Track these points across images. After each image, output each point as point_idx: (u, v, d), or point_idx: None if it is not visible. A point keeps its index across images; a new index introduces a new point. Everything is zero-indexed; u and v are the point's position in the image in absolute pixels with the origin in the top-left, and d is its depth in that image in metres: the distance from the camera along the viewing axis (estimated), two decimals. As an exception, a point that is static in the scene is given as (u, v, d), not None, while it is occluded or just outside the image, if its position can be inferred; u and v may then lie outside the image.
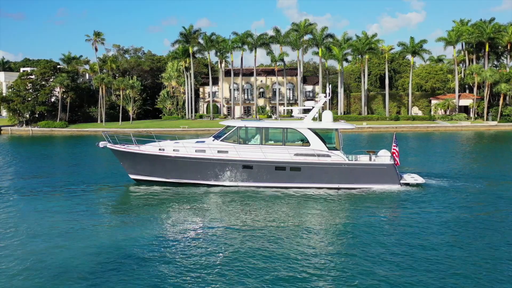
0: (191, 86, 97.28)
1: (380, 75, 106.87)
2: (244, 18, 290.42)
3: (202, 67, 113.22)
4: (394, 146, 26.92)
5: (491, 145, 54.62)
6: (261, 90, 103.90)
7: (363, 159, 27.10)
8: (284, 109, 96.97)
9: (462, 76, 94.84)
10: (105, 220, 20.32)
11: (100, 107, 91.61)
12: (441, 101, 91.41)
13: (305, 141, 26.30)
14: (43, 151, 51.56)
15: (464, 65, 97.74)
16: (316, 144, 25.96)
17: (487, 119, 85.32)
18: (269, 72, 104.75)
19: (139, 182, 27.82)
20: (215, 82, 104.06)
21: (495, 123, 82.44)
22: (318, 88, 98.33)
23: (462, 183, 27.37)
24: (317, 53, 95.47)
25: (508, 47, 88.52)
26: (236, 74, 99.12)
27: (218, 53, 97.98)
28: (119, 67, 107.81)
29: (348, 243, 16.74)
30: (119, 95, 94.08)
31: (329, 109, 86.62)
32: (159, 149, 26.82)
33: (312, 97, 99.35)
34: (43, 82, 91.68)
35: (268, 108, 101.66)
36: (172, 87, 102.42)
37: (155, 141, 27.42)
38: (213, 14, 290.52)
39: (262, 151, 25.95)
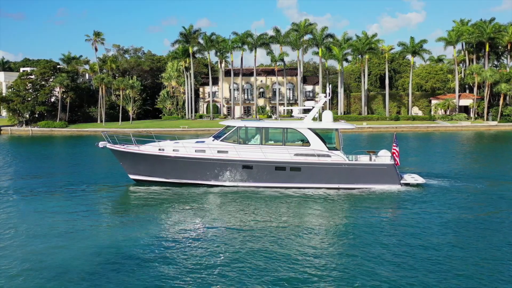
0: (191, 86, 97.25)
1: (380, 75, 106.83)
2: (244, 18, 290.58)
3: (202, 67, 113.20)
4: (394, 146, 26.88)
5: (491, 145, 54.60)
6: (261, 90, 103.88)
7: (363, 159, 27.05)
8: (284, 109, 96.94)
9: (462, 76, 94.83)
10: (105, 221, 20.28)
11: (100, 107, 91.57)
12: (441, 101, 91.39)
13: (305, 141, 26.26)
14: (43, 151, 51.54)
15: (464, 65, 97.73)
16: (316, 144, 25.92)
17: (487, 119, 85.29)
18: (269, 72, 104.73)
19: (138, 182, 27.78)
20: (215, 82, 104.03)
21: (495, 123, 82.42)
22: (318, 88, 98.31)
23: (463, 183, 27.33)
24: (317, 53, 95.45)
25: (508, 47, 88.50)
26: (236, 74, 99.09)
27: (218, 53, 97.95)
28: (119, 67, 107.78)
29: (349, 243, 16.71)
30: (119, 95, 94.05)
31: (329, 109, 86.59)
32: (159, 149, 26.78)
33: (312, 97, 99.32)
34: (43, 82, 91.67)
35: (268, 108, 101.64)
36: (172, 87, 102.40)
37: (154, 141, 27.38)
38: (213, 14, 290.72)
39: (262, 151, 25.91)
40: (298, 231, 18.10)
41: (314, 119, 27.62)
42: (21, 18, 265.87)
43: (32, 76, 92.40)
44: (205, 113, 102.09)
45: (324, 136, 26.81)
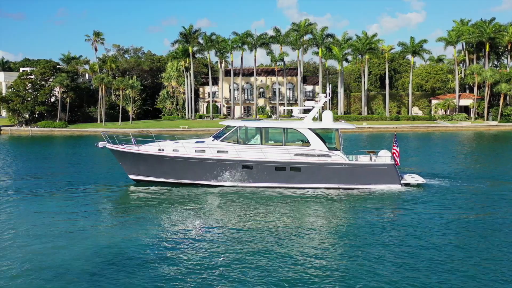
0: (191, 86, 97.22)
1: (380, 75, 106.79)
2: (244, 18, 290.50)
3: (202, 67, 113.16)
4: (394, 146, 26.84)
5: (492, 145, 54.57)
6: (261, 90, 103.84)
7: (364, 159, 27.01)
8: (284, 109, 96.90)
9: (463, 76, 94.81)
10: (105, 221, 20.24)
11: (100, 107, 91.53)
12: (441, 101, 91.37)
13: (305, 141, 26.22)
14: (42, 151, 51.51)
15: (464, 65, 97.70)
16: (316, 144, 25.88)
17: (487, 119, 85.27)
18: (269, 72, 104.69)
19: (138, 183, 27.73)
20: (215, 82, 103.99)
21: (495, 123, 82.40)
22: (318, 88, 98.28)
23: (463, 183, 27.29)
24: (317, 53, 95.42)
25: (509, 47, 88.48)
26: (236, 74, 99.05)
27: (218, 53, 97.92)
28: (119, 67, 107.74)
29: (349, 243, 16.66)
30: (119, 95, 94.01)
31: (329, 109, 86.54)
32: (159, 149, 26.74)
33: (312, 97, 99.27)
34: (43, 82, 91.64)
35: (268, 108, 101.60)
36: (172, 87, 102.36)
37: (154, 141, 27.34)
38: (213, 14, 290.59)
39: (262, 151, 25.86)
40: (298, 232, 18.06)
41: (314, 119, 27.58)
42: (21, 18, 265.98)
43: (32, 76, 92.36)
44: (205, 113, 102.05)
45: (324, 136, 26.77)
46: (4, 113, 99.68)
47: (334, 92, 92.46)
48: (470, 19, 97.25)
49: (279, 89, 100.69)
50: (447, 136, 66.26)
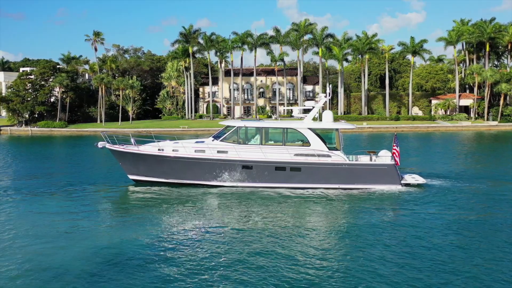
0: (191, 86, 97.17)
1: (380, 75, 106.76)
2: (244, 18, 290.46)
3: (202, 67, 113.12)
4: (394, 146, 26.79)
5: (492, 145, 54.54)
6: (261, 90, 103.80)
7: (364, 159, 26.97)
8: (284, 109, 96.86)
9: (463, 76, 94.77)
10: (104, 221, 20.19)
11: (100, 107, 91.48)
12: (442, 101, 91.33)
13: (305, 141, 26.17)
14: (42, 151, 51.47)
15: (464, 65, 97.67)
16: (316, 144, 25.83)
17: (487, 119, 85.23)
18: (269, 72, 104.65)
19: (138, 183, 27.68)
20: (215, 82, 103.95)
21: (495, 123, 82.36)
22: (318, 88, 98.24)
23: (464, 183, 27.25)
24: (317, 53, 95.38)
25: (509, 47, 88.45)
26: (236, 74, 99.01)
27: (218, 53, 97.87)
28: (118, 67, 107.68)
29: (350, 244, 16.62)
30: (119, 95, 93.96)
31: (329, 109, 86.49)
32: (158, 150, 26.69)
33: (312, 97, 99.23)
34: (43, 82, 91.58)
35: (268, 108, 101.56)
36: (172, 87, 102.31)
37: (154, 141, 27.29)
38: (213, 14, 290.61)
39: (262, 151, 25.82)
40: (298, 232, 18.02)
41: (314, 119, 27.53)
42: (21, 18, 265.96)
43: (32, 76, 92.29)
44: (205, 113, 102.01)
45: (324, 136, 26.72)
46: (4, 113, 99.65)
47: (334, 92, 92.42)
48: (470, 19, 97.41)
49: (279, 89, 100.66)
50: (447, 136, 66.23)
